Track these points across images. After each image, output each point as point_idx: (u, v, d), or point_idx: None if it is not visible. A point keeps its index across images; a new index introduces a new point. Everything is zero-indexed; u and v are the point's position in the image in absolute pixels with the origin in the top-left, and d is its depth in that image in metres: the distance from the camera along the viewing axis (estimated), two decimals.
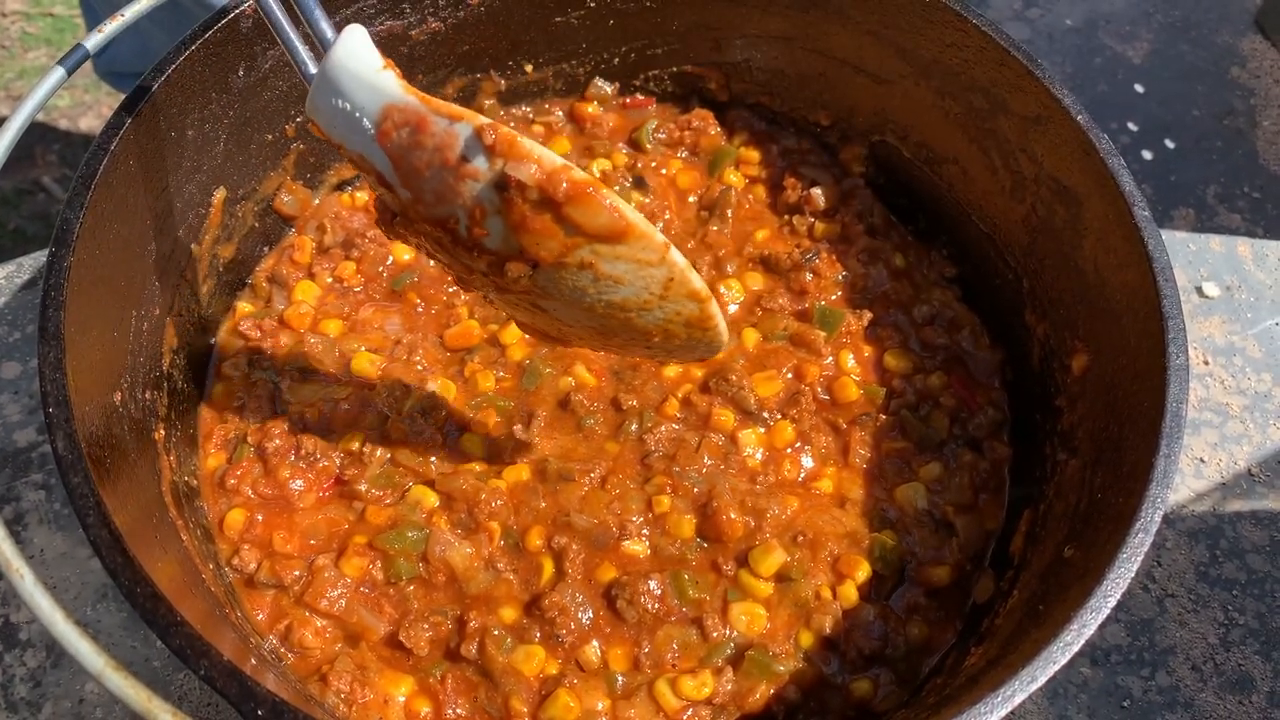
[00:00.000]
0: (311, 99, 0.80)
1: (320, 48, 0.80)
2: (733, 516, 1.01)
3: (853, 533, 1.04)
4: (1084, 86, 3.28)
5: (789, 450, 1.08)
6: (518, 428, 1.07)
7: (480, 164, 0.76)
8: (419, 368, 1.11)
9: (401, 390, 1.09)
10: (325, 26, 0.80)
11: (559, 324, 0.90)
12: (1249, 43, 3.46)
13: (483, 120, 0.76)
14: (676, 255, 0.82)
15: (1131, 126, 3.21)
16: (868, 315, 1.18)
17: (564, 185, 0.75)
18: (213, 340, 1.14)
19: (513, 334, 1.13)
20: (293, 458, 1.05)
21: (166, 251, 1.01)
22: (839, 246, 1.24)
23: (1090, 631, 0.75)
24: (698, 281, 0.84)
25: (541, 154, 0.75)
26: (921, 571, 1.03)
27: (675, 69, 1.34)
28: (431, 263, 0.95)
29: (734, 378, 1.10)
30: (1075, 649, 0.75)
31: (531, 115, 1.34)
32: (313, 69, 0.82)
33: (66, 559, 1.07)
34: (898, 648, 0.98)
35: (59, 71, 0.88)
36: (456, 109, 0.76)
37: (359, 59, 0.77)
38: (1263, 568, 1.17)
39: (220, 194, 1.08)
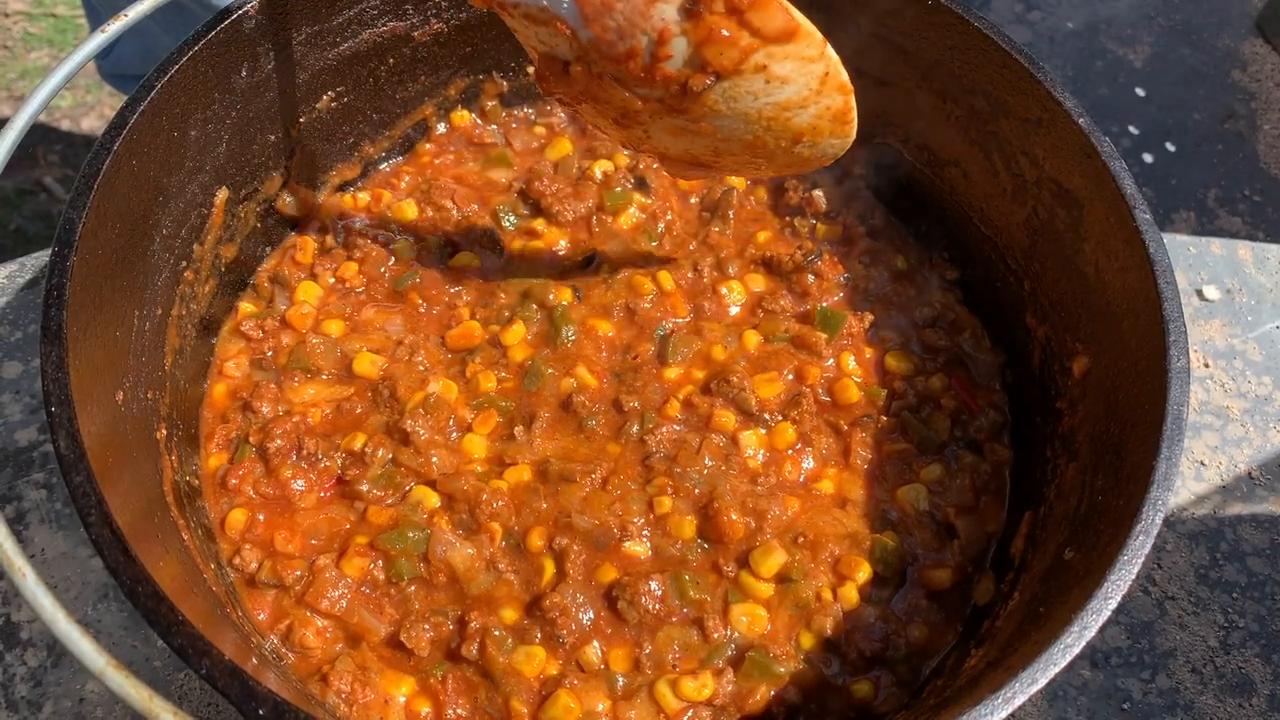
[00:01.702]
0: None
1: None
2: (734, 518, 1.01)
3: (853, 534, 1.04)
4: (1085, 89, 3.28)
5: (790, 452, 1.08)
6: (519, 429, 1.08)
7: None
8: (420, 368, 1.11)
9: (403, 391, 1.09)
10: None
11: (715, 142, 0.98)
12: (1250, 46, 3.46)
13: None
14: (831, 51, 0.90)
15: (1132, 130, 3.21)
16: (869, 317, 1.18)
17: None
18: (215, 340, 1.14)
19: (514, 335, 1.14)
20: (294, 458, 1.05)
21: (169, 252, 1.01)
22: (840, 248, 1.25)
23: (1091, 634, 0.75)
24: (845, 75, 0.93)
25: None
26: (922, 573, 1.03)
27: None
28: (582, 117, 1.02)
29: (735, 379, 1.10)
30: (1076, 651, 0.75)
31: (534, 117, 1.35)
32: None
33: (68, 558, 1.07)
34: (898, 649, 0.98)
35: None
36: None
37: None
38: (1263, 570, 1.17)
39: (223, 194, 1.09)
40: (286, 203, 1.20)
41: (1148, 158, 3.14)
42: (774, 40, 0.87)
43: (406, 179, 1.30)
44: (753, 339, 1.16)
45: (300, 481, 1.04)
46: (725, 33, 0.85)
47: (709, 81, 0.89)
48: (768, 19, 0.85)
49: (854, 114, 0.96)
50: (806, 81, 0.92)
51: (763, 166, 1.03)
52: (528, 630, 0.96)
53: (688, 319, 1.18)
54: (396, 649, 0.96)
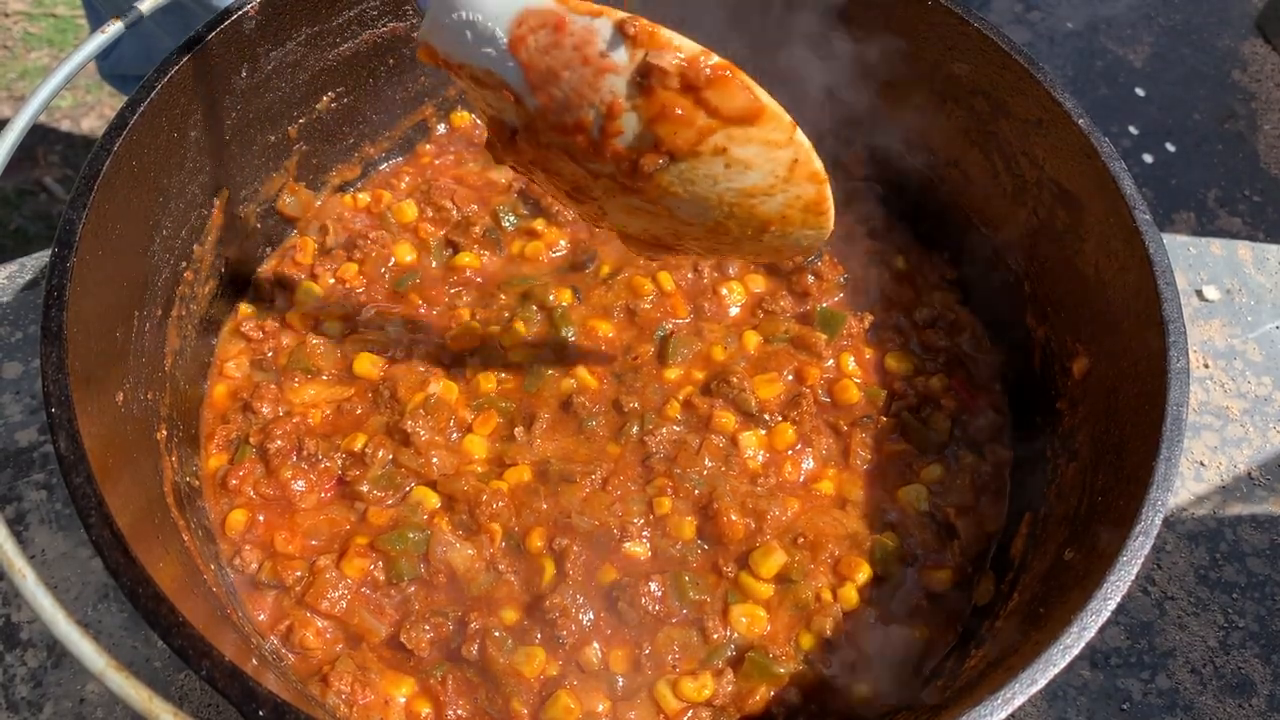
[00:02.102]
0: (432, 18, 0.81)
1: None
2: (733, 518, 1.01)
3: (853, 534, 1.04)
4: (1085, 90, 3.28)
5: (790, 452, 1.08)
6: (519, 430, 1.08)
7: (620, 57, 0.78)
8: (420, 369, 1.11)
9: (403, 391, 1.09)
10: None
11: (676, 224, 0.91)
12: (1250, 46, 3.46)
13: (621, 14, 0.77)
14: (801, 136, 0.84)
15: (1132, 130, 3.21)
16: (869, 318, 1.18)
17: (706, 70, 0.78)
18: (215, 341, 1.14)
19: (515, 335, 1.14)
20: (294, 459, 1.05)
21: (169, 252, 1.01)
22: (841, 249, 1.24)
23: (1090, 634, 0.75)
24: (818, 163, 0.86)
25: (681, 41, 0.79)
26: (922, 574, 1.03)
27: None
28: (536, 185, 0.96)
29: (735, 380, 1.10)
30: (1075, 652, 0.75)
31: None
32: None
33: (68, 559, 1.07)
34: (898, 650, 0.98)
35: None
36: (593, 5, 0.78)
37: None
38: (1263, 571, 1.17)
39: (223, 195, 1.09)
40: (287, 203, 1.20)
41: (1148, 158, 3.14)
42: (734, 122, 0.80)
43: (406, 179, 1.30)
44: (753, 340, 1.16)
45: (300, 482, 1.04)
46: (679, 111, 0.79)
47: (661, 162, 0.82)
48: (727, 98, 0.79)
49: (829, 204, 0.89)
50: (772, 168, 0.85)
51: (727, 252, 0.96)
52: (528, 631, 0.96)
53: (688, 320, 1.18)
54: (397, 650, 0.96)
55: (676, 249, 0.98)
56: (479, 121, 1.33)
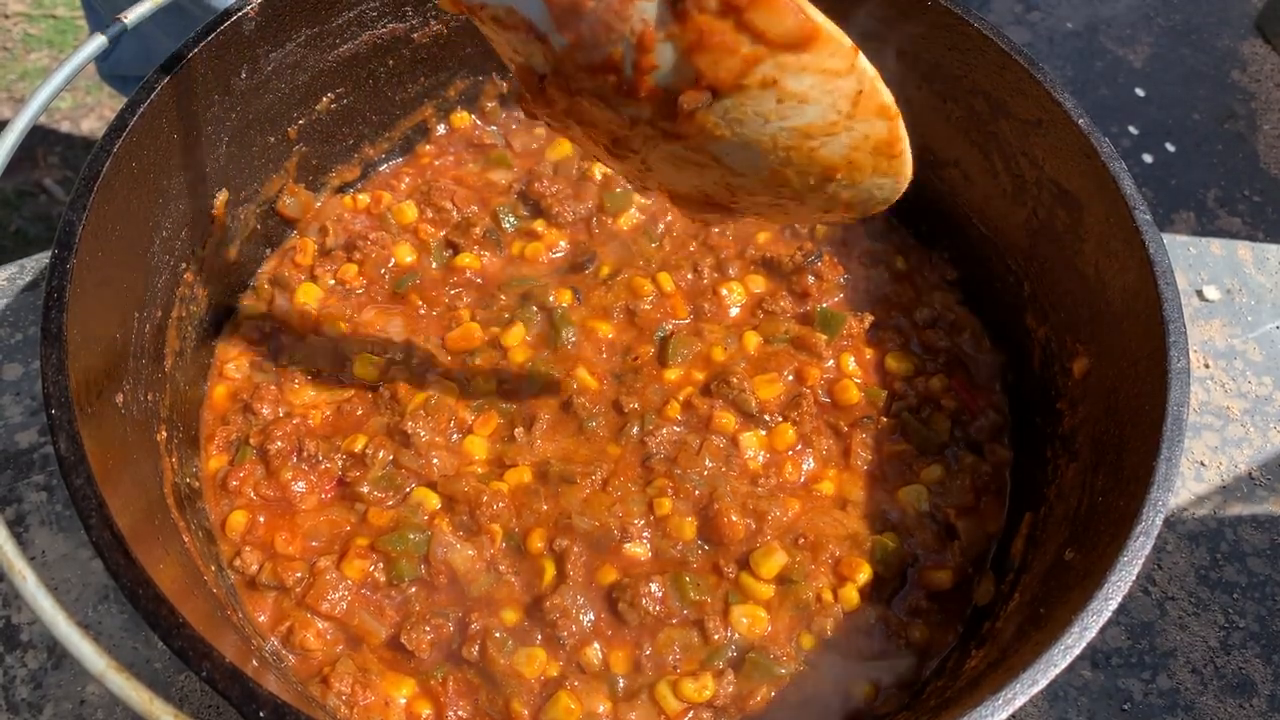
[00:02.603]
0: None
1: None
2: (734, 519, 1.01)
3: (854, 535, 1.04)
4: (1085, 90, 3.29)
5: (790, 453, 1.08)
6: (519, 430, 1.08)
7: None
8: (420, 370, 1.11)
9: (403, 392, 1.09)
10: None
11: (728, 176, 0.81)
12: (1249, 46, 3.46)
13: None
14: (865, 62, 0.73)
15: (1132, 130, 3.21)
16: (869, 318, 1.18)
17: None
18: (215, 342, 1.14)
19: (514, 336, 1.14)
20: (295, 460, 1.05)
21: (168, 253, 1.01)
22: (840, 249, 1.24)
23: (1091, 635, 0.75)
24: (887, 95, 0.75)
25: None
26: (923, 574, 1.03)
27: None
28: (575, 144, 0.88)
29: (735, 380, 1.10)
30: (1076, 652, 0.75)
31: None
32: None
33: (68, 560, 1.07)
34: (899, 650, 0.98)
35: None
36: None
37: None
38: (1263, 571, 1.17)
39: (222, 196, 1.09)
40: (286, 204, 1.20)
41: (1147, 158, 3.14)
42: (785, 48, 0.69)
43: (406, 180, 1.30)
44: (753, 340, 1.16)
45: (301, 483, 1.04)
46: (720, 37, 0.68)
47: (703, 100, 0.72)
48: (775, 20, 0.68)
49: (904, 145, 0.78)
50: (833, 102, 0.73)
51: (791, 210, 0.84)
52: (528, 632, 0.96)
53: (688, 320, 1.17)
54: (397, 651, 0.96)
55: (733, 209, 0.87)
56: (479, 121, 1.33)
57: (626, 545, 1.01)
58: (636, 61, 0.71)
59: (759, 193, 0.83)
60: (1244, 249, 1.45)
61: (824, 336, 1.15)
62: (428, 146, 1.33)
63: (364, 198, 1.27)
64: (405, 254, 1.21)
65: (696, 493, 1.04)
